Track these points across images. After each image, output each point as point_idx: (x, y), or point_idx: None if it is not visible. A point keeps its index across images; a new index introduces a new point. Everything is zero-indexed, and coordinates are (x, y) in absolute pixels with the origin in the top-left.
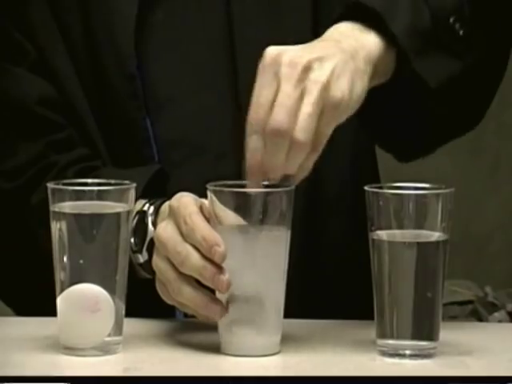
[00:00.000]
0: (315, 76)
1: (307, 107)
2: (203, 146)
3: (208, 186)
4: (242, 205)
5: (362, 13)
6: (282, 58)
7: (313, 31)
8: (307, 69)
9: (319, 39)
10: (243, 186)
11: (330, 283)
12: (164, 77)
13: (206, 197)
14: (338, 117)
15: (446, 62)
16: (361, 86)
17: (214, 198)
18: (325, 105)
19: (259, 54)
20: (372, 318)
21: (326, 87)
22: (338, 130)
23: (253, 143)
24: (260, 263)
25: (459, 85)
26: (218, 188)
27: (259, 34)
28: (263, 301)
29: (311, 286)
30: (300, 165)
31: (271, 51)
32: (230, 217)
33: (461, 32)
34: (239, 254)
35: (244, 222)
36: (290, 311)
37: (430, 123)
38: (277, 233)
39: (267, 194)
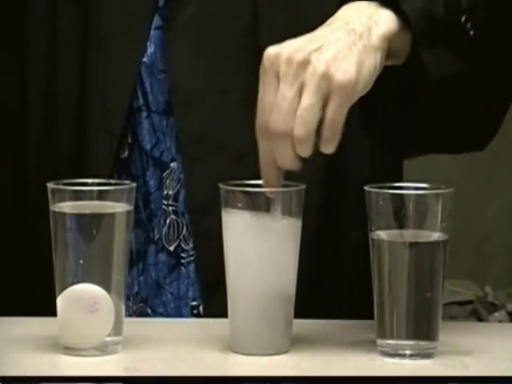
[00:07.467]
0: (312, 68)
1: (304, 101)
2: (223, 145)
3: (220, 185)
4: (251, 203)
5: None
6: (280, 57)
7: None
8: (305, 63)
9: (328, 22)
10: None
11: (331, 283)
12: (190, 73)
13: (219, 196)
14: (348, 99)
15: (451, 59)
16: (372, 64)
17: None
18: (330, 91)
19: None
20: (372, 318)
21: (325, 75)
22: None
23: (262, 146)
24: (271, 259)
25: (460, 89)
26: (229, 188)
27: (286, 33)
28: (274, 298)
29: (311, 286)
30: (322, 153)
31: (269, 52)
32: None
33: (471, 32)
34: (250, 250)
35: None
36: None
37: (427, 127)
38: (288, 230)
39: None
